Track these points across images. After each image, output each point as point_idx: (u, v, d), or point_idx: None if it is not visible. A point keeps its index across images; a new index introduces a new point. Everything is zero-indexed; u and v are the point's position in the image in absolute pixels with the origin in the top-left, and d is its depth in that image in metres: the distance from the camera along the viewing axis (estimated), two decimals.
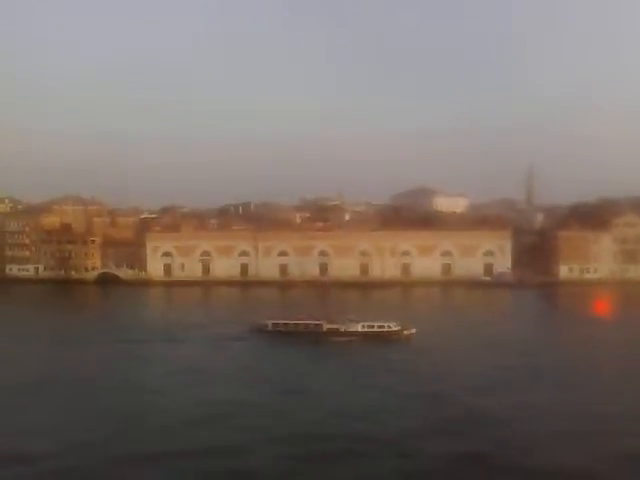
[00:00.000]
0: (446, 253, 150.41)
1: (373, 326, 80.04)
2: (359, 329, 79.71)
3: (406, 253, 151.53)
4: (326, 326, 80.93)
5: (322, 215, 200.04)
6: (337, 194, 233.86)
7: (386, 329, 79.62)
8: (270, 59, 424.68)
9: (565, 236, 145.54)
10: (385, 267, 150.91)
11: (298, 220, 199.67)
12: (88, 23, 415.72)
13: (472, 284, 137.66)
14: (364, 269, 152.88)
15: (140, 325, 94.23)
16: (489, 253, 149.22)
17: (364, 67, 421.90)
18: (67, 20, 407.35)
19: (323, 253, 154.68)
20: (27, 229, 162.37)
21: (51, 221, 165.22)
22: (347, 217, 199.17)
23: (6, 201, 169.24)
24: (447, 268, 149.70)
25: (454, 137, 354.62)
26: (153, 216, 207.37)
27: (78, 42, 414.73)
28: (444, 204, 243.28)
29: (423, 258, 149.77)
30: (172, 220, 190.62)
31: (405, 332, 79.37)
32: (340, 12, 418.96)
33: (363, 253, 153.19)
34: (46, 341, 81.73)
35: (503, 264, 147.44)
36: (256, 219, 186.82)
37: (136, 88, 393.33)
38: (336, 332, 79.84)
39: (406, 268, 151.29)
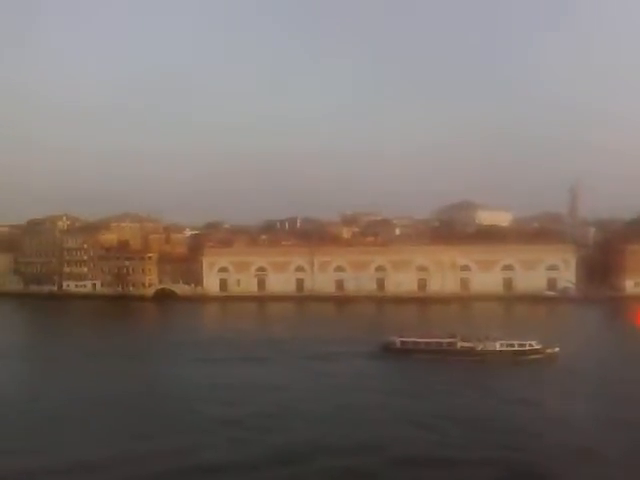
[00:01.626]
0: (507, 267, 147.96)
1: (513, 344, 75.56)
2: (497, 347, 75.42)
3: (465, 268, 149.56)
4: (460, 344, 77.02)
5: (372, 230, 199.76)
6: (376, 208, 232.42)
7: (527, 347, 75.21)
8: (297, 70, 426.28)
9: (631, 250, 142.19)
10: (444, 282, 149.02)
11: (346, 235, 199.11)
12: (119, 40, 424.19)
13: (536, 299, 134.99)
14: (422, 284, 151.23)
15: (230, 340, 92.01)
16: (553, 267, 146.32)
17: (395, 78, 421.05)
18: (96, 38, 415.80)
19: (380, 268, 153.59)
20: (85, 246, 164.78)
21: (109, 238, 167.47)
22: (397, 232, 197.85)
23: (64, 218, 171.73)
24: (509, 283, 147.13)
25: (483, 148, 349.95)
26: (202, 232, 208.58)
27: (117, 59, 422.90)
28: (488, 218, 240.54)
29: (483, 272, 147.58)
30: (223, 236, 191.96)
31: (548, 350, 74.80)
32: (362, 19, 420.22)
33: (421, 268, 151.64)
34: (127, 358, 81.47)
35: (566, 278, 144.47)
36: (304, 235, 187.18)
37: (162, 103, 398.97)
38: (471, 351, 76.07)
39: (465, 283, 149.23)
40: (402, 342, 79.22)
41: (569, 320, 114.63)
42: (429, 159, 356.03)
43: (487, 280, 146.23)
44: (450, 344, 77.17)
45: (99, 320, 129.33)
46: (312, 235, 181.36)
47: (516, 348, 75.35)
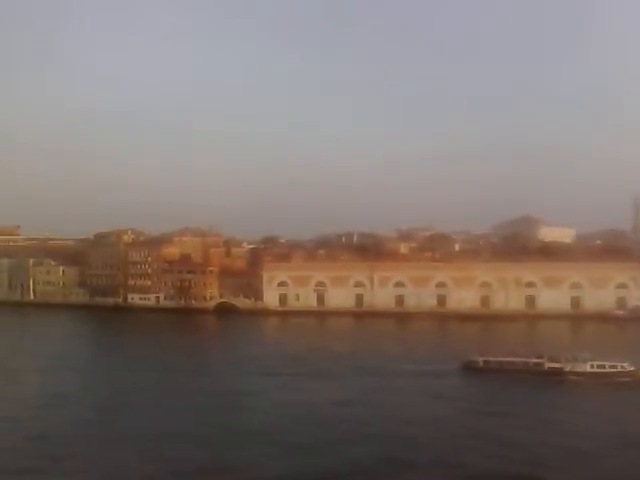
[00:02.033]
0: (575, 285, 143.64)
1: (604, 366, 72.80)
2: (587, 369, 72.83)
3: (531, 285, 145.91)
4: (548, 364, 74.68)
5: (430, 245, 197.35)
6: (430, 224, 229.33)
7: (619, 369, 72.31)
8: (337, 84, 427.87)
9: None
10: (508, 299, 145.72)
11: (404, 250, 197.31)
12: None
13: (604, 318, 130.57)
14: (485, 301, 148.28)
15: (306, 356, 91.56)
16: (622, 285, 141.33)
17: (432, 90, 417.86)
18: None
19: (441, 284, 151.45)
20: (149, 259, 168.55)
21: (171, 252, 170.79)
22: (457, 247, 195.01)
23: (129, 232, 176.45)
24: (576, 301, 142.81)
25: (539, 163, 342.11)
26: (260, 247, 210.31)
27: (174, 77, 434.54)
28: (550, 234, 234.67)
29: (550, 290, 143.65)
30: (281, 250, 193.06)
31: None
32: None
33: (484, 284, 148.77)
34: (200, 373, 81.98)
35: (637, 297, 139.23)
36: (361, 250, 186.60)
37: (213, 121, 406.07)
38: (559, 372, 73.45)
39: (531, 300, 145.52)
40: (485, 361, 77.05)
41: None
42: (487, 174, 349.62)
43: (554, 298, 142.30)
44: (537, 364, 74.80)
45: (165, 333, 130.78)
46: (369, 250, 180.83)
47: (607, 370, 72.51)
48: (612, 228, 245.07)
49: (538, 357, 75.56)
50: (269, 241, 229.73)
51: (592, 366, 72.79)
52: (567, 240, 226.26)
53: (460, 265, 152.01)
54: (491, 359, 76.80)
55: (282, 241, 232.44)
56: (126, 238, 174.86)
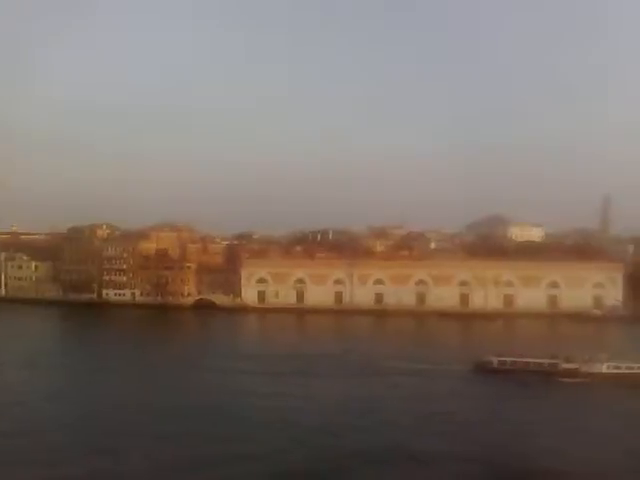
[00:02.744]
0: (552, 284, 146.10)
1: (620, 367, 72.59)
2: (603, 370, 72.48)
3: (509, 284, 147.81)
4: (563, 365, 74.26)
5: (406, 243, 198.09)
6: (403, 221, 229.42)
7: (635, 370, 71.86)
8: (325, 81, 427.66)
9: None
10: (487, 298, 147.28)
11: (379, 248, 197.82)
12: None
13: (581, 317, 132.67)
14: (464, 299, 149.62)
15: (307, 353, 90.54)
16: (599, 285, 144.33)
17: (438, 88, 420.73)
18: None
19: (421, 282, 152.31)
20: (125, 255, 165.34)
21: (147, 247, 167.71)
22: (433, 245, 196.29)
23: (104, 227, 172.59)
24: (553, 300, 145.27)
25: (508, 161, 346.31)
26: (235, 243, 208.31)
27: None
28: (520, 233, 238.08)
29: (527, 289, 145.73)
30: (258, 247, 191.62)
31: None
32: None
33: (463, 283, 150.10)
34: (187, 369, 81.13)
35: (613, 296, 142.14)
36: (336, 247, 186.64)
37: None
38: (574, 372, 72.80)
39: (509, 299, 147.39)
40: (500, 362, 76.22)
41: (632, 340, 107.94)
42: (454, 170, 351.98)
43: (531, 296, 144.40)
44: (552, 365, 74.61)
45: (144, 330, 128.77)
46: (345, 248, 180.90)
47: (623, 371, 72.58)
48: (582, 227, 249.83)
49: (552, 358, 75.46)
50: (243, 237, 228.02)
51: (608, 367, 72.74)
52: (536, 239, 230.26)
53: (439, 263, 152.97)
54: (506, 359, 76.15)
55: (256, 237, 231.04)
56: (100, 233, 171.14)
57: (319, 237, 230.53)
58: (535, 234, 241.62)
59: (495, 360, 76.51)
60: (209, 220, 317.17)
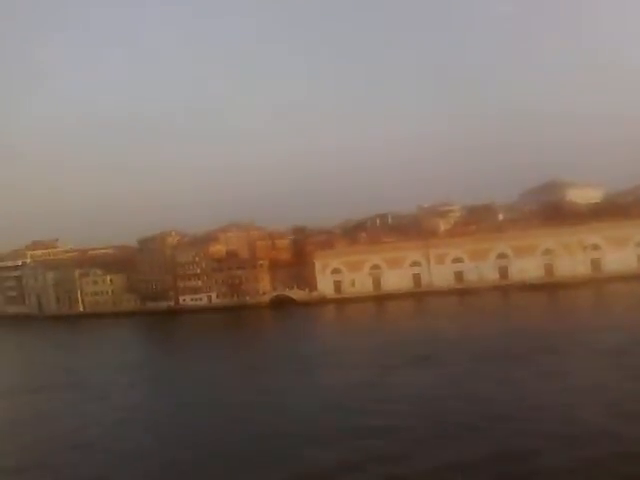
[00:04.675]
0: None
1: None
2: None
3: (595, 247, 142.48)
4: None
5: (473, 218, 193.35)
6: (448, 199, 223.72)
7: None
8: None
9: None
10: (574, 264, 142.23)
11: (444, 227, 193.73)
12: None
13: None
14: (548, 269, 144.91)
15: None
16: None
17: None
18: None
19: (501, 255, 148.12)
20: (197, 259, 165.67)
21: (218, 249, 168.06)
22: (501, 217, 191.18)
23: (173, 234, 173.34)
24: None
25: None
26: (298, 237, 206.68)
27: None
28: (579, 196, 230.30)
29: (616, 251, 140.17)
30: (324, 238, 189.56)
31: None
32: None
33: (546, 252, 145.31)
34: (295, 370, 78.69)
35: None
36: (401, 230, 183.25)
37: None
38: None
39: (596, 264, 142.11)
40: None
41: None
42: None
43: (620, 258, 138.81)
44: None
45: (229, 332, 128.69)
46: (408, 230, 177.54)
47: None
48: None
49: None
50: (299, 231, 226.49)
51: None
52: (595, 201, 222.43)
53: (519, 234, 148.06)
54: None
55: (311, 229, 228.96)
56: (170, 240, 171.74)
57: (378, 222, 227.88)
58: (596, 195, 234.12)
59: None
60: (261, 218, 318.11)
